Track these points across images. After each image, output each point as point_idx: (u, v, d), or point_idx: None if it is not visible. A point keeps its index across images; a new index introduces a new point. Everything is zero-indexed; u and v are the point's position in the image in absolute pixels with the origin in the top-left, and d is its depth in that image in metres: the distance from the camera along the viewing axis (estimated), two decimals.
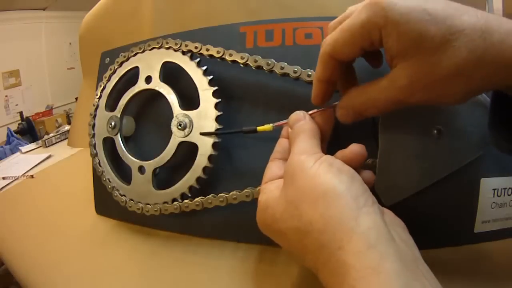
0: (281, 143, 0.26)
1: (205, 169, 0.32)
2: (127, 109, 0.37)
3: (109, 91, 0.39)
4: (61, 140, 0.83)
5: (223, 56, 0.33)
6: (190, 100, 0.34)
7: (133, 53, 0.38)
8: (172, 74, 0.36)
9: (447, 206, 0.28)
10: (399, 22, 0.18)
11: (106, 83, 0.40)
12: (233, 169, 0.34)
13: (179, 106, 0.34)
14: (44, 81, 2.77)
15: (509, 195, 0.28)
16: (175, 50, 0.35)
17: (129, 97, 0.37)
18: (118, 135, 0.37)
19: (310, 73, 0.30)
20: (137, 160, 0.35)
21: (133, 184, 0.36)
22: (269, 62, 0.31)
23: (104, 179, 0.38)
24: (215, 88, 0.33)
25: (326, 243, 0.18)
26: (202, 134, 0.32)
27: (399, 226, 0.22)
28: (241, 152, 0.34)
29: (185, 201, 0.33)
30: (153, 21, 0.52)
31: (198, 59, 0.34)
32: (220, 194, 0.32)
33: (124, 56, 0.39)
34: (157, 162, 0.34)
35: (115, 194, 0.37)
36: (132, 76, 0.38)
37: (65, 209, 0.48)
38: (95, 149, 0.39)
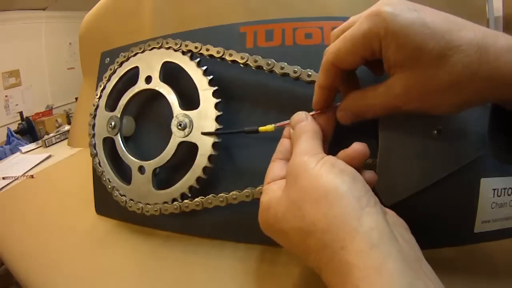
0: (283, 143, 0.26)
1: (205, 169, 0.32)
2: (127, 109, 0.37)
3: (109, 91, 0.39)
4: (61, 140, 0.83)
5: (223, 56, 0.33)
6: (190, 100, 0.34)
7: (133, 53, 0.38)
8: (172, 74, 0.36)
9: (447, 206, 0.28)
10: (399, 35, 0.19)
11: (106, 83, 0.40)
12: (233, 169, 0.34)
13: (179, 106, 0.34)
14: (44, 81, 2.77)
15: (509, 195, 0.28)
16: (175, 50, 0.35)
17: (129, 97, 0.37)
18: (118, 135, 0.37)
19: (310, 73, 0.30)
20: (137, 160, 0.35)
21: (133, 184, 0.36)
22: (269, 62, 0.31)
23: (104, 179, 0.38)
24: (215, 88, 0.33)
25: (329, 243, 0.18)
26: (203, 134, 0.32)
27: (402, 226, 0.22)
28: (241, 152, 0.34)
29: (185, 201, 0.33)
30: (153, 21, 0.52)
31: (198, 59, 0.34)
32: (220, 194, 0.32)
33: (124, 56, 0.39)
34: (157, 162, 0.34)
35: (115, 194, 0.37)
36: (132, 76, 0.38)
37: (65, 209, 0.48)
38: (95, 149, 0.39)
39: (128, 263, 0.35)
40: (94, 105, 0.40)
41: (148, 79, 0.36)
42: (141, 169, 0.35)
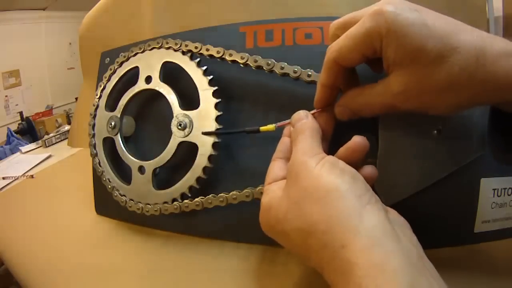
0: (283, 142, 0.26)
1: (205, 169, 0.32)
2: (127, 109, 0.37)
3: (109, 91, 0.39)
4: (61, 140, 0.83)
5: (223, 56, 0.33)
6: (190, 100, 0.34)
7: (133, 53, 0.38)
8: (172, 74, 0.36)
9: (447, 206, 0.28)
10: (399, 34, 0.20)
11: (106, 83, 0.40)
12: (233, 169, 0.34)
13: (179, 106, 0.34)
14: (44, 81, 2.78)
15: (509, 195, 0.28)
16: (175, 50, 0.35)
17: (129, 97, 0.37)
18: (118, 135, 0.37)
19: (310, 73, 0.30)
20: (137, 160, 0.35)
21: (133, 184, 0.36)
22: (269, 62, 0.31)
23: (104, 179, 0.38)
24: (215, 88, 0.33)
25: (330, 242, 0.18)
26: (204, 133, 0.32)
27: (403, 224, 0.22)
28: (241, 152, 0.34)
29: (185, 201, 0.33)
30: (153, 21, 0.52)
31: (198, 59, 0.34)
32: (220, 194, 0.32)
33: (124, 56, 0.39)
34: (157, 162, 0.34)
35: (115, 194, 0.37)
36: (132, 76, 0.38)
37: (65, 209, 0.48)
38: (95, 149, 0.39)
39: (128, 263, 0.35)
40: (94, 105, 0.40)
41: (148, 79, 0.36)
42: (141, 169, 0.35)
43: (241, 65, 0.32)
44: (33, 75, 2.66)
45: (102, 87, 0.40)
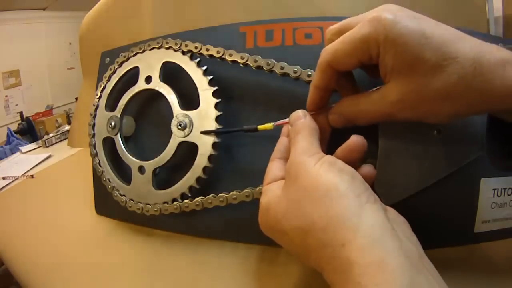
0: (282, 141, 0.26)
1: (205, 169, 0.32)
2: (127, 109, 0.37)
3: (109, 91, 0.39)
4: (61, 140, 0.83)
5: (223, 56, 0.33)
6: (190, 100, 0.34)
7: (133, 53, 0.38)
8: (172, 74, 0.36)
9: (447, 206, 0.28)
10: (397, 42, 0.20)
11: (106, 83, 0.40)
12: (233, 169, 0.34)
13: (179, 106, 0.34)
14: (44, 81, 2.77)
15: (509, 195, 0.28)
16: (175, 50, 0.35)
17: (129, 97, 0.37)
18: (118, 135, 0.37)
19: (310, 73, 0.30)
20: (137, 160, 0.35)
21: (133, 184, 0.36)
22: (269, 62, 0.31)
23: (104, 179, 0.38)
24: (215, 88, 0.33)
25: (329, 241, 0.18)
26: (202, 132, 0.32)
27: (402, 223, 0.22)
28: (241, 152, 0.34)
29: (185, 201, 0.33)
30: (153, 21, 0.52)
31: (198, 59, 0.34)
32: (220, 194, 0.32)
33: (124, 56, 0.39)
34: (157, 162, 0.34)
35: (115, 194, 0.37)
36: (132, 76, 0.38)
37: (65, 209, 0.48)
38: (95, 149, 0.39)
39: (128, 263, 0.35)
40: (94, 105, 0.40)
41: (148, 79, 0.36)
42: (141, 169, 0.35)
43: (241, 65, 0.32)
44: (33, 75, 2.66)
45: (102, 87, 0.40)
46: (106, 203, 0.41)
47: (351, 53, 0.22)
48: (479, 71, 0.19)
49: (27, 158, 0.74)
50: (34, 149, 0.82)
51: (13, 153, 0.91)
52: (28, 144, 1.15)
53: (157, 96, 0.35)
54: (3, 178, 0.62)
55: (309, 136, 0.23)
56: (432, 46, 0.19)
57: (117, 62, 0.39)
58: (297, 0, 0.42)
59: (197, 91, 0.33)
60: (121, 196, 0.36)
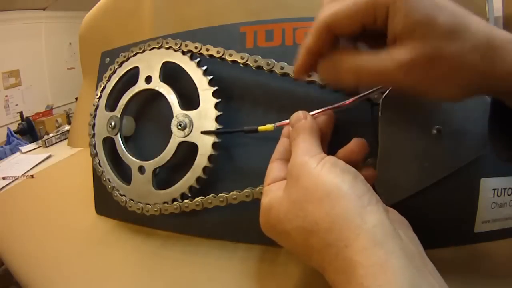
0: (282, 142, 0.26)
1: (205, 169, 0.32)
2: (127, 109, 0.37)
3: (109, 91, 0.39)
4: (61, 140, 0.83)
5: (223, 56, 0.33)
6: (190, 100, 0.34)
7: (133, 53, 0.38)
8: (172, 74, 0.36)
9: (447, 206, 0.28)
10: (409, 2, 0.18)
11: (106, 83, 0.40)
12: (233, 169, 0.34)
13: (179, 106, 0.34)
14: (44, 81, 2.77)
15: (509, 195, 0.28)
16: (175, 50, 0.35)
17: (129, 97, 0.37)
18: (118, 135, 0.37)
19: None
20: (137, 160, 0.35)
21: (133, 184, 0.36)
22: (269, 62, 0.31)
23: (104, 179, 0.38)
24: (215, 88, 0.33)
25: (332, 241, 0.18)
26: (203, 132, 0.32)
27: (404, 224, 0.22)
28: (241, 152, 0.34)
29: (185, 201, 0.33)
30: (153, 21, 0.52)
31: (198, 59, 0.34)
32: (220, 194, 0.32)
33: (124, 56, 0.39)
34: (157, 162, 0.34)
35: (115, 194, 0.37)
36: (132, 76, 0.38)
37: (65, 209, 0.48)
38: (95, 149, 0.39)
39: (128, 263, 0.35)
40: (94, 105, 0.40)
41: (148, 79, 0.36)
42: (141, 169, 0.35)
43: (241, 65, 0.32)
44: (33, 75, 2.66)
45: (102, 87, 0.40)
46: (106, 203, 0.41)
47: (354, 15, 0.19)
48: (491, 44, 0.18)
49: (27, 158, 0.74)
50: (34, 149, 0.82)
51: (13, 153, 0.91)
52: (28, 144, 1.15)
53: (157, 96, 0.35)
54: (3, 178, 0.62)
55: (310, 137, 0.23)
56: (446, 13, 0.18)
57: (117, 62, 0.39)
58: (297, 0, 0.42)
59: (197, 91, 0.33)
60: (121, 196, 0.36)
